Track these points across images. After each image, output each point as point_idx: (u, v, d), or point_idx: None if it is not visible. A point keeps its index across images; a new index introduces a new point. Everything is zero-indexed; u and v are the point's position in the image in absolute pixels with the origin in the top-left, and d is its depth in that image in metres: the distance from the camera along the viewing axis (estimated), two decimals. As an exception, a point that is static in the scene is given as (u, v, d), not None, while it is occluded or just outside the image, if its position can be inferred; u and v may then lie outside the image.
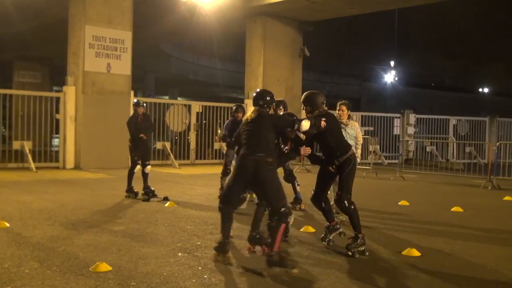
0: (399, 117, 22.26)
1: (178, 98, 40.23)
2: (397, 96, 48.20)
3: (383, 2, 19.04)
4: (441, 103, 46.54)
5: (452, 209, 9.80)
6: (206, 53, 37.11)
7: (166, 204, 9.60)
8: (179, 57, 36.82)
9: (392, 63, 52.76)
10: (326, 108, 6.37)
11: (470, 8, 51.55)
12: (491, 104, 48.81)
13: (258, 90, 6.38)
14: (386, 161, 21.14)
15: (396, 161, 18.96)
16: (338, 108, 8.38)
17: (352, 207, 6.25)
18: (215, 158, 19.47)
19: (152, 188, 10.36)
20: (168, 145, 18.29)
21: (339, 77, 47.10)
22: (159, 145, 18.29)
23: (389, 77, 52.55)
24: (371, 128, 21.50)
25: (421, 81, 54.00)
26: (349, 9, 19.89)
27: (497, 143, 17.45)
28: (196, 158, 19.28)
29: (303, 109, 6.40)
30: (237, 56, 30.15)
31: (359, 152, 8.55)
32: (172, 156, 18.04)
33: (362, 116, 22.61)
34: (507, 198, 11.73)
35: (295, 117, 6.14)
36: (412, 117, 22.25)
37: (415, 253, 6.21)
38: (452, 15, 52.55)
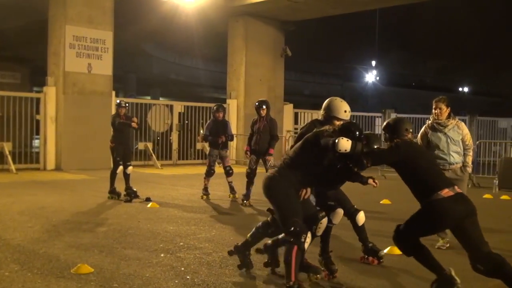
0: (380, 117, 22.37)
1: (160, 98, 40.03)
2: (378, 95, 48.50)
3: (364, 2, 19.14)
4: (422, 103, 46.86)
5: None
6: (188, 53, 36.97)
7: (148, 205, 9.56)
8: (161, 57, 36.63)
9: (373, 62, 53.09)
10: (411, 136, 5.02)
11: (450, 8, 52.08)
12: (471, 103, 49.29)
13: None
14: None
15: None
16: (434, 107, 6.86)
17: (411, 249, 4.81)
18: (198, 159, 19.41)
19: (134, 189, 10.32)
20: (150, 145, 18.20)
21: (321, 77, 47.22)
22: (141, 145, 18.18)
23: (371, 76, 52.87)
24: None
25: (402, 80, 54.40)
26: (331, 9, 19.96)
27: (477, 142, 17.66)
28: (179, 159, 19.21)
29: (384, 140, 5.14)
30: (219, 56, 30.08)
31: (470, 159, 6.78)
32: (154, 156, 17.96)
33: None
34: (486, 196, 11.87)
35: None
36: (393, 116, 22.38)
37: (397, 251, 6.23)
38: (432, 15, 53.09)
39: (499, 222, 8.63)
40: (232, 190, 10.71)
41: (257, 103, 10.08)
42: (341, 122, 5.38)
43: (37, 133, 16.47)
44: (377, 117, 22.47)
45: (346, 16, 22.74)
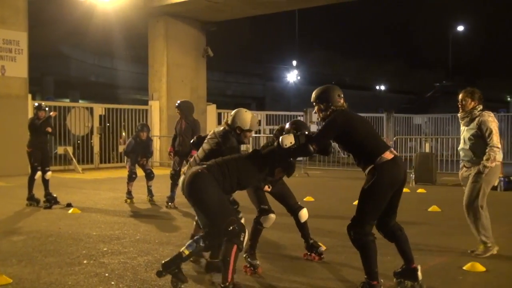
0: (302, 115, 22.82)
1: (80, 101, 38.99)
2: (300, 94, 49.29)
3: (284, 3, 19.42)
4: (341, 101, 48.09)
5: (354, 203, 10.14)
6: (107, 54, 36.25)
7: (70, 211, 9.30)
8: (79, 59, 35.73)
9: (294, 62, 53.97)
10: (344, 101, 4.89)
11: (366, 10, 53.86)
12: (387, 101, 51.14)
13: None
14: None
15: (301, 158, 19.44)
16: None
17: (363, 240, 4.62)
18: (120, 162, 19.05)
19: (54, 195, 10.02)
20: (70, 149, 17.70)
21: (243, 77, 47.54)
22: (60, 150, 17.67)
23: (292, 76, 53.72)
24: (276, 127, 21.92)
25: (322, 79, 55.44)
26: (251, 10, 20.13)
27: (394, 138, 18.36)
28: (101, 162, 18.80)
29: (315, 112, 5.08)
30: (140, 57, 29.68)
31: (487, 158, 5.92)
32: (74, 160, 17.47)
33: (267, 115, 23.52)
34: (404, 190, 12.32)
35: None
36: (315, 115, 22.87)
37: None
38: (350, 16, 54.69)
39: (416, 215, 9.01)
40: (150, 193, 10.58)
41: (176, 104, 10.21)
42: (252, 133, 5.67)
43: None
44: (299, 116, 22.90)
45: (267, 16, 23.01)
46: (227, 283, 4.56)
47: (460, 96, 6.25)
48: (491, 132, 5.95)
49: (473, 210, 6.17)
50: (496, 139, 5.95)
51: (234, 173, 4.80)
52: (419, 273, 4.79)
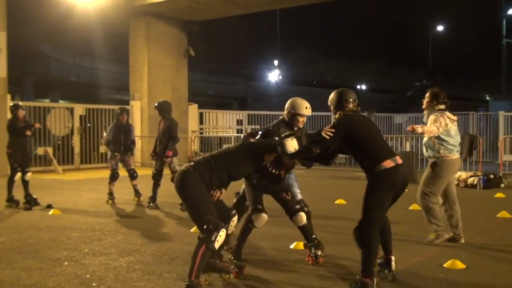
0: (284, 115, 22.83)
1: (60, 101, 38.63)
2: (282, 94, 49.34)
3: (265, 2, 19.43)
4: (323, 100, 48.13)
5: (336, 202, 10.23)
6: (88, 54, 35.95)
7: (50, 212, 9.22)
8: (60, 58, 35.36)
9: (276, 62, 54.01)
10: (353, 106, 5.04)
11: (347, 10, 54.17)
12: (368, 100, 51.36)
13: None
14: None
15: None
16: None
17: (367, 239, 4.76)
18: (102, 162, 18.92)
19: (34, 196, 9.90)
20: (50, 150, 17.53)
21: (225, 77, 47.44)
22: (40, 150, 17.49)
23: (274, 76, 53.75)
24: (258, 126, 21.99)
25: (303, 79, 55.73)
26: (233, 9, 20.11)
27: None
28: (81, 163, 18.65)
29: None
30: (121, 57, 29.50)
31: (420, 127, 6.30)
32: (55, 161, 17.30)
33: (248, 114, 23.58)
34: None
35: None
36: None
37: (302, 246, 6.39)
38: (331, 15, 54.95)
39: (397, 213, 9.01)
40: (137, 193, 10.52)
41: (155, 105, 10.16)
42: (304, 118, 5.92)
43: None
44: (282, 115, 22.92)
45: (248, 16, 23.00)
46: (190, 281, 4.63)
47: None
48: (431, 123, 6.39)
49: (424, 201, 6.72)
50: (433, 127, 6.32)
51: (222, 166, 4.87)
52: (393, 263, 5.14)
